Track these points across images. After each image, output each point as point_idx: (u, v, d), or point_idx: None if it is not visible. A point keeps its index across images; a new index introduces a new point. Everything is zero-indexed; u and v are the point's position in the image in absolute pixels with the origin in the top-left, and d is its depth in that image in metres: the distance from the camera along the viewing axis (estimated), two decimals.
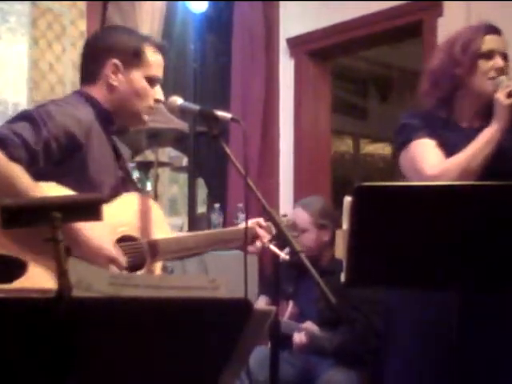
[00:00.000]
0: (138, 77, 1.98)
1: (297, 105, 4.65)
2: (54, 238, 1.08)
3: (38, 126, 1.76)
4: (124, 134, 2.15)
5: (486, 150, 2.00)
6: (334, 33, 4.41)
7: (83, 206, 1.21)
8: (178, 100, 1.98)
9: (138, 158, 4.40)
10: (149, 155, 4.45)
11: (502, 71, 2.10)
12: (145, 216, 1.96)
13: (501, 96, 2.02)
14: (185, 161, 4.65)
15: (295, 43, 4.65)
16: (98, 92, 1.98)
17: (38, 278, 1.63)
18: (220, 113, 1.88)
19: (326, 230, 3.21)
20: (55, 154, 1.78)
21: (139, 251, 1.91)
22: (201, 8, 4.38)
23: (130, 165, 2.22)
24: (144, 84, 1.99)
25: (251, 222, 2.13)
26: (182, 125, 4.17)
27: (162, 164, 4.56)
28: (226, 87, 4.79)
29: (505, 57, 2.15)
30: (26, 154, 1.72)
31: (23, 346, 1.03)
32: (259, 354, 2.78)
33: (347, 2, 4.27)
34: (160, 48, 2.04)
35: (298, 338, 3.03)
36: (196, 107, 1.94)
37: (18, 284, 1.61)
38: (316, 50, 4.60)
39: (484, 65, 2.11)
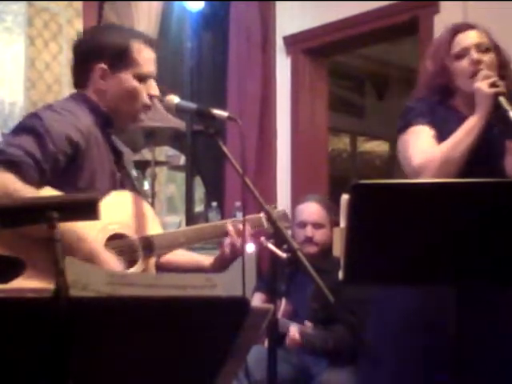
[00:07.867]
0: (126, 77, 1.96)
1: (294, 103, 4.65)
2: (52, 237, 1.08)
3: (44, 141, 1.78)
4: (121, 133, 2.14)
5: (468, 140, 1.99)
6: (330, 31, 4.41)
7: (80, 205, 1.21)
8: (174, 99, 1.97)
9: (136, 157, 4.39)
10: (146, 154, 4.45)
11: (478, 62, 2.08)
12: (138, 214, 1.96)
13: (483, 85, 2.01)
14: (182, 159, 4.64)
15: (292, 41, 4.64)
16: (91, 95, 1.98)
17: (36, 277, 1.63)
18: (217, 111, 1.88)
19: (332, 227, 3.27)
20: (61, 166, 1.82)
21: (131, 248, 1.91)
22: (197, 6, 4.37)
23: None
24: (134, 84, 1.96)
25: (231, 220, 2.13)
26: (179, 123, 4.17)
27: (159, 163, 4.56)
28: (222, 85, 4.79)
29: (486, 48, 2.12)
30: (36, 173, 1.76)
31: (21, 346, 1.03)
32: (256, 353, 2.77)
33: (344, 1, 4.27)
34: (148, 42, 2.01)
35: (293, 332, 3.01)
36: (193, 106, 1.93)
37: (15, 284, 1.61)
38: (312, 47, 4.60)
39: (460, 65, 2.11)
